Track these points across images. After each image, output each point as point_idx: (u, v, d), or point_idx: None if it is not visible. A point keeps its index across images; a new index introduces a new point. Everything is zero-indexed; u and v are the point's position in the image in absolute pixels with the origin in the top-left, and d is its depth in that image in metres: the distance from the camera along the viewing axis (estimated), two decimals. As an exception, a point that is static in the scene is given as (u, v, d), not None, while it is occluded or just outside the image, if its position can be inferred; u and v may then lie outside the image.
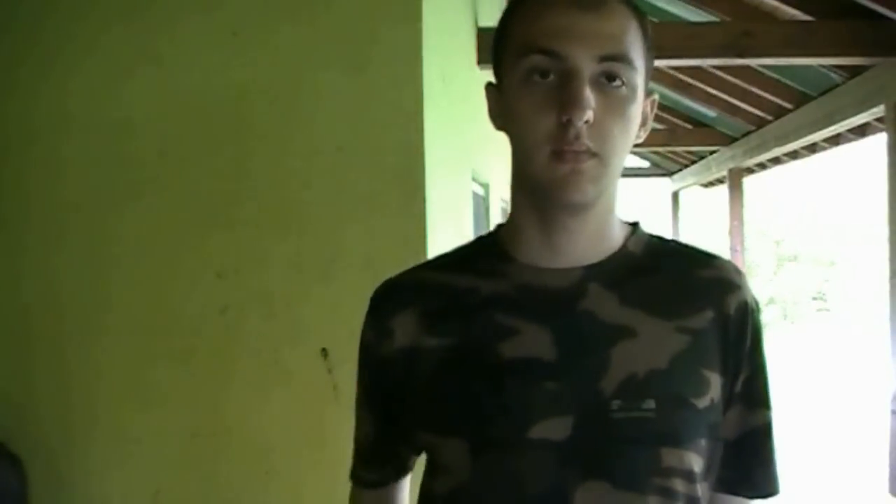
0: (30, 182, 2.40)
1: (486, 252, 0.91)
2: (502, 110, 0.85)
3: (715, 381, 0.83)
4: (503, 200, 4.86)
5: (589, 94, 0.76)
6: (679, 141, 8.26)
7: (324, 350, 2.29)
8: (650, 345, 0.81)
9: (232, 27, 2.34)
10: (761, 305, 0.90)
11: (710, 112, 7.25)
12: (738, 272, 0.89)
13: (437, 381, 0.85)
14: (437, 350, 0.85)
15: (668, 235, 0.97)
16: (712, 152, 8.66)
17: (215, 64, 2.35)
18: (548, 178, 0.79)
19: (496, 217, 4.65)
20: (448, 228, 2.80)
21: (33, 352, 2.39)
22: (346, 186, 2.31)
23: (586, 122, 0.76)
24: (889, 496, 4.18)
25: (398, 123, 2.29)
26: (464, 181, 3.48)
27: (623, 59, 0.78)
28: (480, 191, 4.37)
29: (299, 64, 2.33)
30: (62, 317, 2.38)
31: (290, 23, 2.34)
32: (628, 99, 0.79)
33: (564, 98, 0.76)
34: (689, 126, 8.03)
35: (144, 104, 2.36)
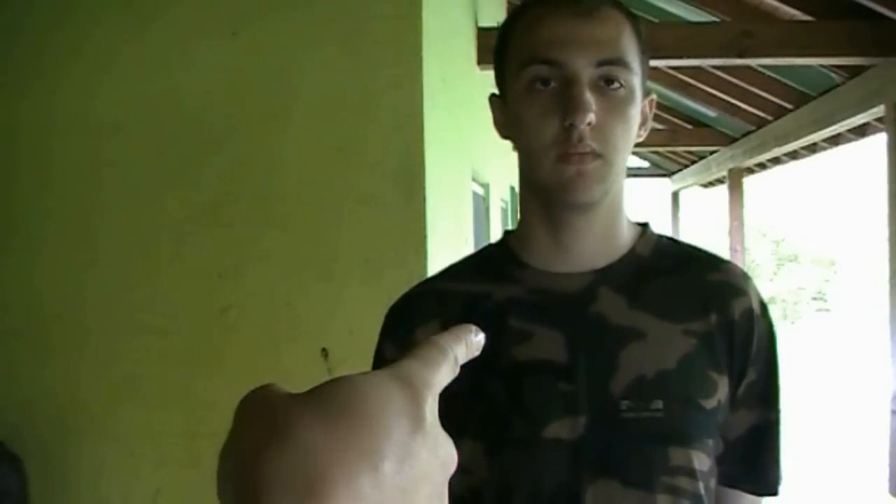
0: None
1: (497, 258, 0.92)
2: (508, 120, 0.88)
3: (722, 383, 0.84)
4: (503, 200, 4.86)
5: (590, 98, 0.78)
6: (679, 141, 8.27)
7: (324, 350, 2.29)
8: (658, 347, 0.83)
9: (232, 27, 2.34)
10: (770, 311, 0.90)
11: (710, 112, 7.25)
12: (746, 277, 0.90)
13: (453, 385, 0.85)
14: None
15: (678, 237, 0.97)
16: (712, 152, 8.66)
17: (215, 64, 2.35)
18: (555, 181, 0.82)
19: (496, 217, 4.65)
20: (448, 228, 2.80)
21: (34, 352, 2.39)
22: (346, 186, 2.31)
23: (588, 124, 0.78)
24: (889, 496, 4.18)
25: (398, 123, 2.29)
26: (464, 181, 3.48)
27: (620, 62, 0.80)
28: (480, 191, 4.37)
29: (299, 64, 2.33)
30: (62, 317, 2.39)
31: (289, 23, 2.34)
32: (627, 100, 0.82)
33: (566, 103, 0.79)
34: (689, 126, 8.04)
35: (145, 104, 2.36)
